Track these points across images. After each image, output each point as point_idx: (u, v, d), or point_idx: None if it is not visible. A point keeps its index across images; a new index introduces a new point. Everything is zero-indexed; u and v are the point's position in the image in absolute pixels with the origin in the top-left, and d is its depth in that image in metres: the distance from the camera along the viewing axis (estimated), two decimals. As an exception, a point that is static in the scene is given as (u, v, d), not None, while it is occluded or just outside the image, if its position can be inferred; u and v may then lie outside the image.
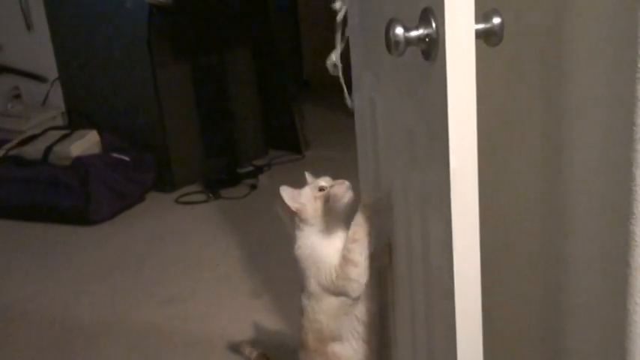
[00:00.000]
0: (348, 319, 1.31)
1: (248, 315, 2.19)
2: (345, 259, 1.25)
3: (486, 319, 0.82)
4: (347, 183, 1.30)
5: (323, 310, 1.31)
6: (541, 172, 1.06)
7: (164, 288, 2.44)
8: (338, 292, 1.28)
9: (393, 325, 1.36)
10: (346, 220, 1.30)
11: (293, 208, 1.30)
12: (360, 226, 1.25)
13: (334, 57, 1.49)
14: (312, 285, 1.31)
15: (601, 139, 0.86)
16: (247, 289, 2.37)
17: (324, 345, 1.34)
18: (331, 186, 1.30)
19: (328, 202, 1.28)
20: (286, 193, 1.30)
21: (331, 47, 1.55)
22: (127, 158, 3.20)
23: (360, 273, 1.25)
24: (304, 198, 1.30)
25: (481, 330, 0.82)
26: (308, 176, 1.36)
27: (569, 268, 1.01)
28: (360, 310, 1.31)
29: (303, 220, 1.30)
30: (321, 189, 1.30)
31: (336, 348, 1.34)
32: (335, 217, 1.29)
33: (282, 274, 2.26)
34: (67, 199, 3.05)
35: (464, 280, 0.80)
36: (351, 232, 1.26)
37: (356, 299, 1.29)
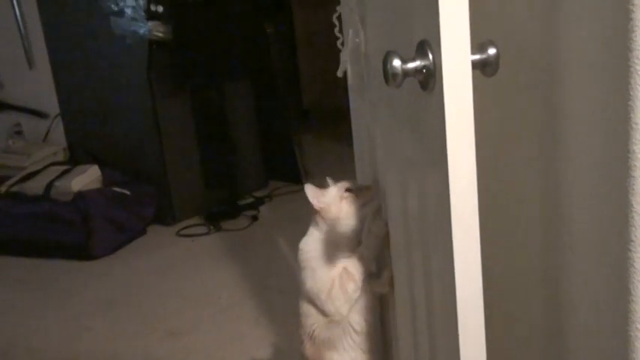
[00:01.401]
0: (341, 328, 1.31)
1: (251, 347, 2.18)
2: (348, 272, 1.27)
3: (488, 329, 0.83)
4: (374, 189, 1.30)
5: (313, 315, 1.32)
6: (540, 197, 1.07)
7: (166, 321, 2.43)
8: (319, 305, 1.30)
9: (394, 336, 1.35)
10: (358, 233, 1.30)
11: (316, 207, 1.29)
12: (371, 251, 1.27)
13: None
14: (306, 287, 1.32)
15: (597, 168, 0.87)
16: (250, 321, 2.36)
17: (321, 354, 1.34)
18: (359, 188, 1.31)
19: (355, 205, 1.28)
20: (311, 191, 1.30)
21: (329, 77, 1.57)
22: (127, 192, 3.21)
23: (355, 290, 1.27)
24: (329, 197, 1.30)
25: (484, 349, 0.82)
26: (330, 180, 1.36)
27: (570, 280, 1.01)
28: (355, 320, 1.31)
29: (324, 219, 1.29)
30: (348, 189, 1.30)
31: (334, 358, 1.33)
32: (356, 224, 1.29)
33: (284, 305, 2.25)
34: (68, 235, 3.05)
35: (466, 308, 0.81)
36: (361, 249, 1.28)
37: (332, 316, 1.29)
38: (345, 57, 1.42)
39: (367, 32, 1.25)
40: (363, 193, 1.30)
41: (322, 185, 1.34)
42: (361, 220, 1.29)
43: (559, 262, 1.03)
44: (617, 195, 0.81)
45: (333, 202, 1.29)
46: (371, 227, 1.29)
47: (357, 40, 1.34)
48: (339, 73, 1.47)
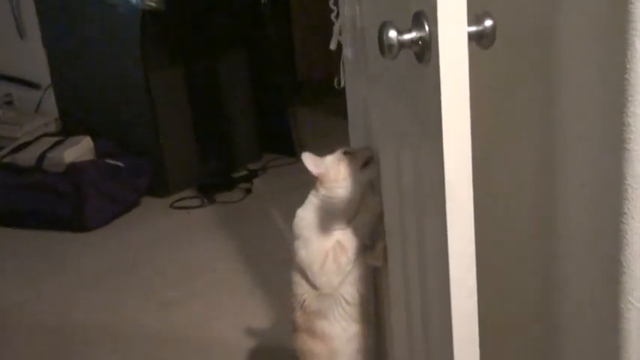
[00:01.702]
0: (332, 299, 1.32)
1: (246, 318, 2.19)
2: (342, 245, 1.27)
3: (480, 305, 0.83)
4: (370, 150, 1.30)
5: (304, 285, 1.33)
6: (535, 171, 1.07)
7: (161, 292, 2.44)
8: (309, 277, 1.31)
9: (387, 306, 1.36)
10: (354, 204, 1.29)
11: (315, 173, 1.29)
12: (365, 226, 1.27)
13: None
14: (298, 257, 1.33)
15: (592, 140, 0.87)
16: (244, 292, 2.37)
17: (312, 323, 1.35)
18: (357, 150, 1.31)
19: (351, 166, 1.28)
20: (309, 159, 1.29)
21: (323, 50, 1.56)
22: (121, 164, 3.20)
23: (347, 263, 1.28)
24: (327, 162, 1.30)
25: (477, 330, 0.83)
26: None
27: (563, 267, 1.02)
28: (348, 292, 1.32)
29: (323, 184, 1.29)
30: (345, 152, 1.30)
31: (325, 328, 1.34)
32: (353, 190, 1.28)
33: (279, 277, 2.26)
34: (61, 206, 3.04)
35: (459, 279, 0.81)
36: (356, 223, 1.28)
37: (321, 290, 1.30)
38: (337, 29, 1.40)
39: (363, 3, 1.24)
40: (360, 154, 1.30)
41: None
42: (360, 184, 1.28)
43: (551, 235, 1.03)
44: (611, 167, 0.82)
45: (331, 165, 1.29)
46: (368, 203, 1.29)
47: (352, 12, 1.33)
48: (332, 46, 1.46)
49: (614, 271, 0.84)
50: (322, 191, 1.29)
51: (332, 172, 1.28)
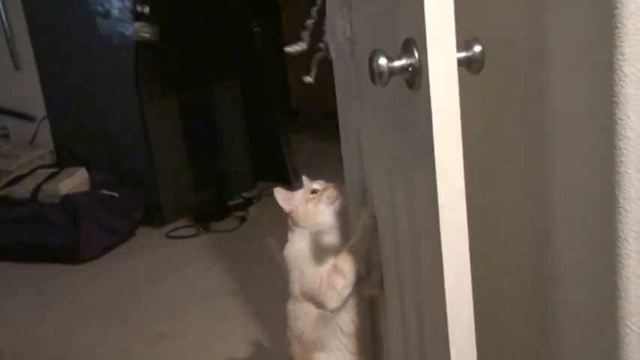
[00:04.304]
0: (329, 329, 1.30)
1: (241, 349, 2.17)
2: (336, 267, 1.25)
3: (478, 330, 0.82)
4: (341, 187, 1.32)
5: (302, 317, 1.32)
6: (527, 195, 1.07)
7: (156, 324, 2.41)
8: (317, 301, 1.28)
9: (384, 338, 1.35)
10: (336, 230, 1.30)
11: (286, 209, 1.32)
12: (360, 243, 1.26)
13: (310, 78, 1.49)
14: (295, 290, 1.31)
15: (584, 165, 0.87)
16: (240, 323, 2.35)
17: (309, 354, 1.33)
18: (324, 189, 1.31)
19: (319, 206, 1.29)
20: (280, 194, 1.32)
21: (318, 76, 1.55)
22: (116, 194, 3.19)
23: (345, 286, 1.25)
24: (297, 200, 1.32)
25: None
26: (305, 179, 1.37)
27: (560, 293, 1.01)
28: (343, 321, 1.30)
29: (295, 222, 1.31)
30: (313, 191, 1.32)
31: (321, 358, 1.32)
32: (326, 223, 1.30)
33: (274, 307, 2.24)
34: (56, 238, 3.02)
35: (455, 308, 0.80)
36: (351, 243, 1.26)
37: (332, 311, 1.28)
38: (317, 60, 1.40)
39: (353, 27, 1.25)
40: (327, 193, 1.30)
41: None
42: (331, 215, 1.29)
43: (548, 260, 1.03)
44: (604, 191, 0.81)
45: (300, 204, 1.31)
46: (361, 214, 1.29)
47: (343, 22, 1.31)
48: (309, 79, 1.44)
49: (612, 295, 0.83)
50: (296, 231, 1.31)
51: (301, 211, 1.30)
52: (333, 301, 1.27)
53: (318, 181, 1.35)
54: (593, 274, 0.90)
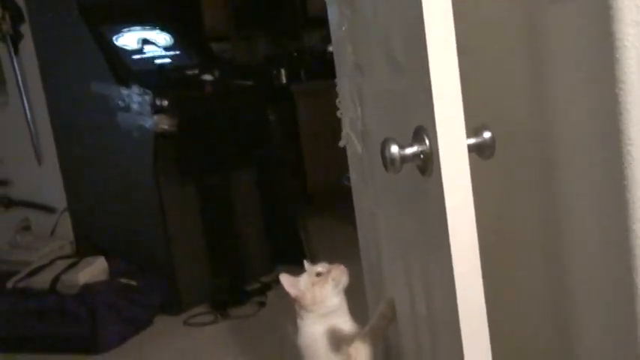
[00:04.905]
0: None
1: None
2: (350, 357, 1.24)
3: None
4: (342, 266, 1.32)
5: None
6: (541, 271, 1.07)
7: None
8: None
9: None
10: (343, 309, 1.31)
11: (293, 295, 1.33)
12: (374, 332, 1.25)
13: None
14: None
15: (595, 228, 0.88)
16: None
17: None
18: (328, 271, 1.32)
19: (326, 288, 1.30)
20: (286, 280, 1.34)
21: (333, 161, 1.58)
22: (134, 283, 3.19)
23: None
24: (303, 284, 1.32)
25: None
26: (306, 264, 1.39)
27: (577, 324, 0.99)
28: None
29: (302, 306, 1.32)
30: (318, 274, 1.32)
31: None
32: (334, 305, 1.30)
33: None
34: (74, 328, 3.01)
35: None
36: (365, 330, 1.26)
37: None
38: (346, 123, 1.44)
39: (365, 118, 1.29)
40: (332, 275, 1.31)
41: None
42: (337, 295, 1.30)
43: (566, 297, 1.02)
44: (621, 275, 0.82)
45: (306, 288, 1.32)
46: (380, 303, 1.28)
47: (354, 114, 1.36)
48: (342, 143, 1.49)
49: (629, 324, 0.82)
50: (305, 316, 1.32)
51: (309, 296, 1.31)
52: None
53: (320, 264, 1.36)
54: (610, 302, 0.89)
